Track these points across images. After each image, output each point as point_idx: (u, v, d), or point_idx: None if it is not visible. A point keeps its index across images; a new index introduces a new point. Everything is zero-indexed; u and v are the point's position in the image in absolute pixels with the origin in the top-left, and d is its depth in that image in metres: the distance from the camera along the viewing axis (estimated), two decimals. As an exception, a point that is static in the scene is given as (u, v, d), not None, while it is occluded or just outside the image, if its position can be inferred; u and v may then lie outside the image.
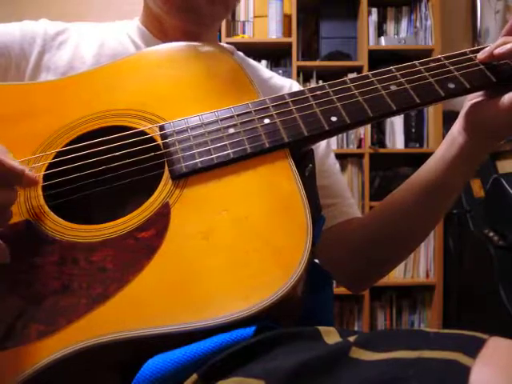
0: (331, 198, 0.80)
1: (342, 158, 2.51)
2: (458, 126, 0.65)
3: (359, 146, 2.50)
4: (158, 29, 0.77)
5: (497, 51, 0.56)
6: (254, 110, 0.56)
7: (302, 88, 0.61)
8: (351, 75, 0.59)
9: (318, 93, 0.57)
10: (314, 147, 0.59)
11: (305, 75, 2.54)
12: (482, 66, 0.58)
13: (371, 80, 0.58)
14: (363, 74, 0.59)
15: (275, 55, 2.62)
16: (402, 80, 0.57)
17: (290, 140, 0.53)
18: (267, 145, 0.53)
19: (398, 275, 2.51)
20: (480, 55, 0.59)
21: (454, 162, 0.65)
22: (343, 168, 2.52)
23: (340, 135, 2.51)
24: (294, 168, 0.51)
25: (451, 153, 0.65)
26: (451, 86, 0.57)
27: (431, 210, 0.71)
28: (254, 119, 0.55)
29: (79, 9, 2.69)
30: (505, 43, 0.57)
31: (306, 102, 0.57)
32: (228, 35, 2.52)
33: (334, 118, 0.55)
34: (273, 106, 0.56)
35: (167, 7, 0.72)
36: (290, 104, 0.56)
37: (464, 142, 0.64)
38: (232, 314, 0.41)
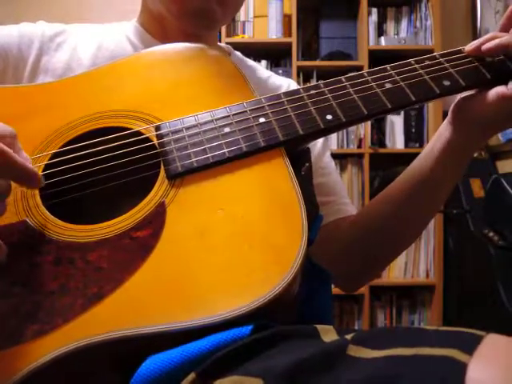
0: (326, 195, 0.80)
1: (342, 158, 2.51)
2: (446, 120, 0.65)
3: (359, 146, 2.50)
4: (157, 30, 0.77)
5: (484, 46, 0.56)
6: (250, 110, 0.56)
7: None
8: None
9: (313, 92, 0.57)
10: (310, 145, 0.59)
11: (305, 75, 2.55)
12: (477, 63, 0.58)
13: (366, 78, 0.58)
14: (358, 73, 0.59)
15: (275, 55, 2.62)
16: (397, 78, 0.57)
17: (285, 139, 0.53)
18: (262, 144, 0.53)
19: (398, 275, 2.51)
20: (468, 47, 0.59)
21: (440, 156, 0.65)
22: (343, 168, 2.52)
23: (340, 135, 2.51)
24: (290, 166, 0.51)
25: (438, 147, 0.65)
26: (446, 83, 0.57)
27: (421, 205, 0.71)
28: (249, 118, 0.55)
29: (80, 9, 2.70)
30: (493, 38, 0.57)
31: (301, 100, 0.57)
32: (228, 35, 2.53)
33: (329, 117, 0.55)
34: (268, 105, 0.56)
35: (180, 12, 0.71)
36: (285, 103, 0.56)
37: (450, 136, 0.63)
38: (228, 312, 0.41)
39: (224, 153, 0.53)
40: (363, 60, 2.45)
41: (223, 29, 2.48)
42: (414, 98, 0.56)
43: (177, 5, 0.71)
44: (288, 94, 0.58)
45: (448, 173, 0.67)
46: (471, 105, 0.59)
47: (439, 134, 0.66)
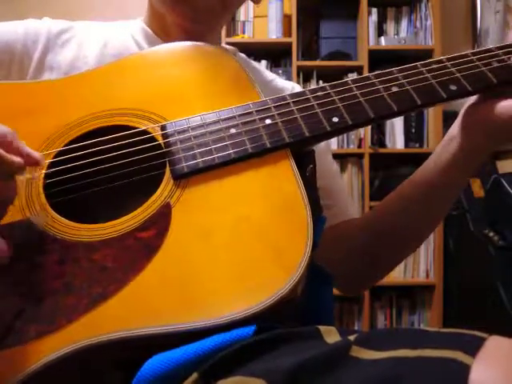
0: (328, 199, 0.80)
1: (342, 158, 2.51)
2: (456, 126, 0.64)
3: (359, 146, 2.50)
4: (160, 28, 0.77)
5: None
6: (256, 111, 0.56)
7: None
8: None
9: (320, 93, 0.57)
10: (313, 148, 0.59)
11: (305, 75, 2.55)
12: (483, 68, 0.57)
13: (373, 81, 0.58)
14: (365, 75, 0.59)
15: (275, 55, 2.62)
16: (403, 81, 0.57)
17: (291, 140, 0.53)
18: (268, 145, 0.53)
19: (398, 275, 2.51)
20: None
21: (450, 162, 0.65)
22: (343, 168, 2.52)
23: (340, 135, 2.52)
24: (296, 168, 0.51)
25: (448, 153, 0.65)
26: (453, 87, 0.56)
27: (427, 212, 0.71)
28: (255, 119, 0.55)
29: (81, 8, 2.69)
30: None
31: (308, 102, 0.56)
32: (228, 35, 2.52)
33: (335, 119, 0.55)
34: (274, 106, 0.56)
35: (162, 1, 0.72)
36: (292, 105, 0.56)
37: (461, 142, 0.63)
38: (232, 314, 0.41)
39: (230, 154, 0.52)
40: (363, 60, 2.45)
41: (223, 29, 2.48)
42: (420, 102, 0.56)
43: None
44: (294, 95, 0.57)
45: (458, 178, 0.67)
46: (483, 115, 0.59)
47: (449, 140, 0.65)
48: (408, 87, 0.57)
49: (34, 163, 0.48)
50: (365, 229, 0.77)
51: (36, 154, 0.48)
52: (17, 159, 0.45)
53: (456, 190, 0.69)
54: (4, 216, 0.47)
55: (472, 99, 0.62)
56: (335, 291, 0.77)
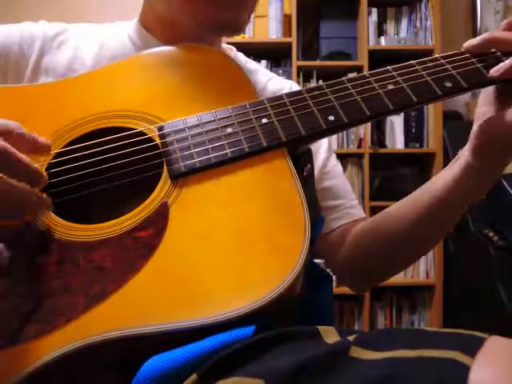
0: (335, 199, 0.80)
1: (342, 158, 2.51)
2: (468, 144, 0.61)
3: (359, 146, 2.50)
4: (163, 32, 0.75)
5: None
6: (252, 110, 0.56)
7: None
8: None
9: (316, 92, 0.57)
10: (315, 150, 0.59)
11: (305, 75, 2.54)
12: (478, 65, 0.58)
13: (368, 79, 0.58)
14: (361, 74, 0.59)
15: (275, 55, 2.62)
16: (399, 79, 0.57)
17: (287, 139, 0.54)
18: (265, 144, 0.53)
19: (398, 275, 2.49)
20: (493, 72, 0.56)
21: (461, 179, 0.62)
22: (343, 168, 2.51)
23: (340, 135, 2.51)
24: (292, 167, 0.52)
25: (459, 171, 0.62)
26: (448, 84, 0.57)
27: (437, 226, 0.69)
28: (251, 119, 0.55)
29: (78, 9, 2.69)
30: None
31: (304, 101, 0.57)
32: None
33: (331, 118, 0.55)
34: (270, 105, 0.56)
35: (209, 23, 0.70)
36: (288, 104, 0.57)
37: (472, 159, 0.60)
38: (230, 312, 0.41)
39: (226, 153, 0.53)
40: (363, 60, 2.45)
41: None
42: (416, 100, 0.56)
43: (208, 16, 0.69)
44: (290, 94, 0.58)
45: (469, 195, 0.64)
46: (495, 127, 0.56)
47: (461, 159, 0.62)
48: (403, 85, 0.57)
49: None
50: (374, 234, 0.75)
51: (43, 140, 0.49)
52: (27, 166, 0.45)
53: (467, 204, 0.66)
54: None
55: (482, 111, 0.59)
56: (336, 290, 0.77)
